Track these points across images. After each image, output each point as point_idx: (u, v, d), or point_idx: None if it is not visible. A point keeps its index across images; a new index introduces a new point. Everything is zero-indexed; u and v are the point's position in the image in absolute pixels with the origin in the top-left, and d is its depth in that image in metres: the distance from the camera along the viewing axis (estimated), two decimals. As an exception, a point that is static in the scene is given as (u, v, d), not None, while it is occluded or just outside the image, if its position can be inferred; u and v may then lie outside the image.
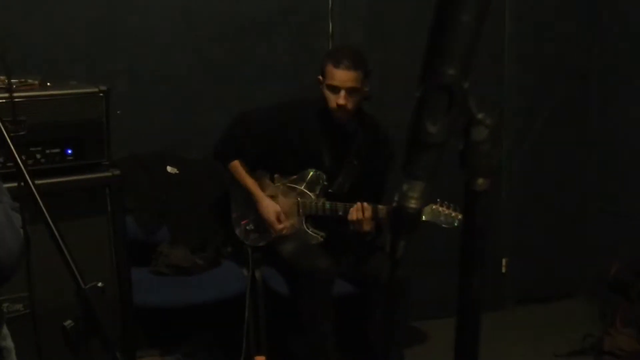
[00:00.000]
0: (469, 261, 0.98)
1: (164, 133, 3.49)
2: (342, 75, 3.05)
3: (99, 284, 1.84)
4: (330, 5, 3.67)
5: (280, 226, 3.21)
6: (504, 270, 4.22)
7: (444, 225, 2.96)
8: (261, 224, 3.28)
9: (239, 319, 3.16)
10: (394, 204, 0.95)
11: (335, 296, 3.09)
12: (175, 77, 3.50)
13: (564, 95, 4.17)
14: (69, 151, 2.59)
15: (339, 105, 3.07)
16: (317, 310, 3.03)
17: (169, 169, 3.41)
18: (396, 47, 3.72)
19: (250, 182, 3.23)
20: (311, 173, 3.24)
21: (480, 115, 0.94)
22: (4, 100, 2.20)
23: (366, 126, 3.25)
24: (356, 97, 3.09)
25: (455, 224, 2.97)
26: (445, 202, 2.97)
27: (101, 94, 2.64)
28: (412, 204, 0.95)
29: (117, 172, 2.66)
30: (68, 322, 1.84)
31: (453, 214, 2.98)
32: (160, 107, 3.49)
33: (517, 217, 4.21)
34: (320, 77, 3.15)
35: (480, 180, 0.95)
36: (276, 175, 3.29)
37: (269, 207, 3.22)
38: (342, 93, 3.05)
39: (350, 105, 3.08)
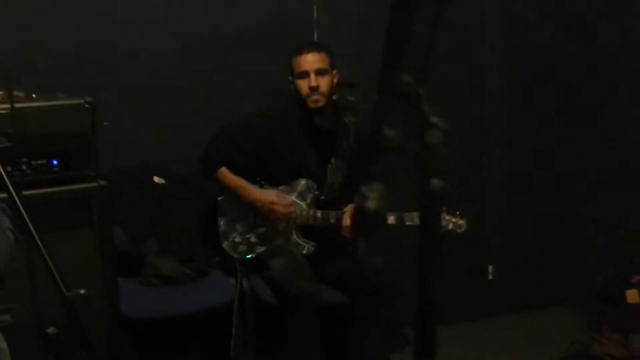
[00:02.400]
0: (426, 262, 1.01)
1: (152, 145, 3.52)
2: (307, 59, 3.16)
3: (82, 291, 1.88)
4: (315, 17, 3.72)
5: (284, 203, 3.21)
6: (490, 277, 4.25)
7: (457, 231, 3.04)
8: (249, 236, 3.30)
9: (227, 328, 3.18)
10: (355, 205, 0.99)
11: (323, 304, 3.11)
12: (163, 90, 3.54)
13: (554, 99, 4.22)
14: (55, 162, 2.62)
15: (311, 88, 3.14)
16: (302, 327, 3.05)
17: (155, 179, 3.43)
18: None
19: (239, 184, 3.23)
20: (302, 182, 3.27)
21: (434, 120, 0.98)
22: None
23: (344, 123, 3.30)
24: (327, 79, 3.17)
25: (463, 230, 3.05)
26: (451, 210, 3.04)
27: (87, 106, 2.67)
28: (372, 205, 0.99)
29: (103, 183, 2.69)
30: (51, 329, 1.88)
31: (460, 222, 3.04)
32: (147, 120, 3.52)
33: (503, 224, 4.24)
34: (290, 78, 3.23)
35: (436, 182, 0.99)
36: (266, 187, 3.32)
37: (265, 194, 3.23)
38: (312, 75, 3.15)
39: (323, 87, 3.16)
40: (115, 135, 3.39)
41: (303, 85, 3.17)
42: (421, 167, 0.98)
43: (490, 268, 4.25)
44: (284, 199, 3.24)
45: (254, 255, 3.30)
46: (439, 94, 0.98)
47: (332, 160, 3.30)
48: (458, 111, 3.93)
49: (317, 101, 3.18)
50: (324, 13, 3.72)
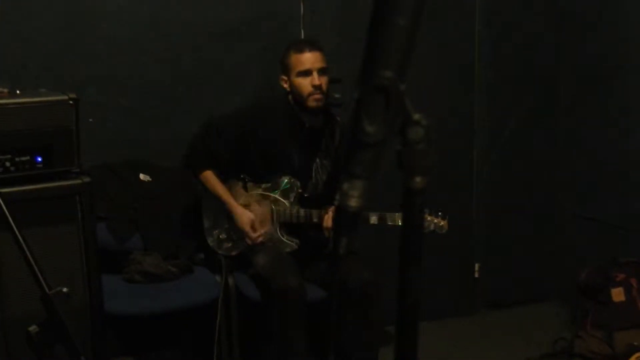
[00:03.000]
0: (407, 259, 1.00)
1: (136, 141, 3.50)
2: (310, 57, 3.15)
3: (64, 290, 1.86)
4: (302, 12, 3.70)
5: (255, 235, 3.23)
6: (476, 275, 4.26)
7: (439, 232, 3.08)
8: (234, 233, 3.29)
9: (212, 325, 3.17)
10: (336, 203, 0.99)
11: (308, 302, 3.11)
12: (146, 85, 3.51)
13: (536, 97, 4.23)
14: (39, 159, 2.60)
15: (315, 87, 3.14)
16: (287, 324, 3.04)
17: (141, 176, 3.42)
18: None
19: (222, 192, 3.24)
20: (285, 180, 3.27)
21: (416, 116, 0.97)
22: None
23: (332, 123, 3.30)
24: (325, 78, 3.18)
25: (444, 231, 3.08)
26: (432, 211, 3.06)
27: (71, 102, 2.65)
28: (353, 203, 0.98)
29: (87, 179, 2.68)
30: (33, 328, 1.85)
31: (442, 223, 3.07)
32: (131, 115, 3.50)
33: (489, 221, 4.25)
34: (284, 77, 3.21)
35: (418, 179, 0.98)
36: (249, 184, 3.31)
37: (243, 216, 3.23)
38: (315, 74, 3.14)
39: (324, 86, 3.17)
40: (99, 131, 3.38)
41: (304, 83, 3.16)
42: (403, 165, 0.97)
43: (476, 266, 4.25)
44: (259, 226, 3.24)
45: (238, 253, 3.29)
46: (422, 90, 0.97)
47: (318, 159, 3.30)
48: (441, 108, 3.94)
49: (318, 100, 3.17)
50: (309, 7, 3.71)
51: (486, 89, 4.14)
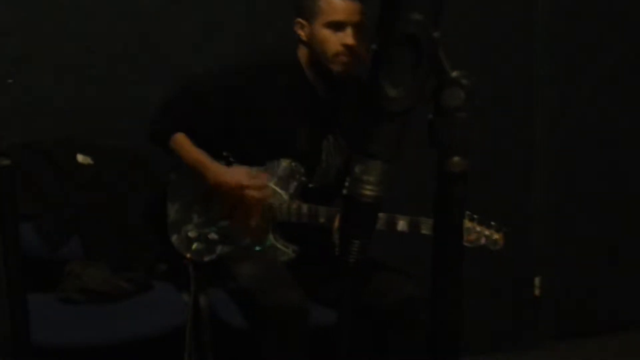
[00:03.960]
0: (442, 275, 1.01)
1: (74, 111, 3.51)
2: (347, 7, 3.11)
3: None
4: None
5: (261, 182, 3.19)
6: (537, 292, 4.27)
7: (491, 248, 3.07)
8: (208, 229, 3.30)
9: (178, 359, 3.19)
10: (345, 192, 0.99)
11: (313, 326, 3.12)
12: (88, 36, 3.53)
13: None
14: None
15: (346, 47, 3.12)
16: (284, 355, 3.06)
17: (80, 158, 3.43)
18: None
19: (197, 156, 3.19)
20: (284, 164, 3.26)
21: (455, 74, 0.97)
22: None
23: (353, 91, 3.29)
24: (362, 40, 3.14)
25: (497, 248, 3.06)
26: (483, 219, 3.05)
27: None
28: (368, 191, 0.99)
29: (6, 162, 2.68)
30: None
31: (495, 236, 3.06)
32: (67, 76, 3.51)
33: (554, 222, 4.26)
34: (302, 20, 3.19)
35: (456, 160, 0.99)
36: (235, 165, 3.31)
37: (235, 170, 3.20)
38: (349, 30, 3.12)
39: (359, 49, 3.13)
40: (22, 98, 3.39)
41: (333, 39, 3.13)
42: (437, 141, 0.97)
43: (536, 281, 4.26)
44: (258, 179, 3.21)
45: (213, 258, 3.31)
46: (463, 42, 0.97)
47: (331, 137, 3.29)
48: (488, 68, 3.94)
49: (346, 64, 3.16)
50: None
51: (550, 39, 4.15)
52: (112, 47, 3.57)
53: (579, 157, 4.30)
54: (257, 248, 3.27)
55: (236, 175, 3.21)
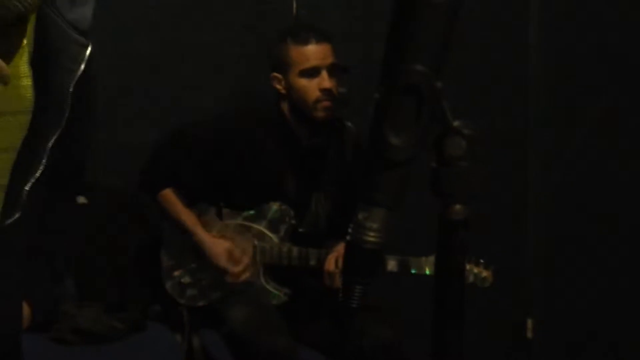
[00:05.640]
0: (445, 313, 1.02)
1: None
2: (317, 51, 3.14)
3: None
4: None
5: (238, 269, 3.22)
6: (529, 335, 4.26)
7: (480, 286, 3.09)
8: (202, 277, 3.29)
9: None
10: (348, 238, 1.01)
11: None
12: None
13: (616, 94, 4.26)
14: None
15: (323, 91, 3.13)
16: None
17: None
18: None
19: (186, 216, 3.23)
20: (274, 208, 3.27)
21: (456, 123, 0.99)
22: None
23: (342, 138, 3.31)
24: (337, 78, 3.17)
25: (486, 285, 3.09)
26: (473, 258, 3.07)
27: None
28: (371, 238, 1.00)
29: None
30: None
31: (484, 274, 3.08)
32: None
33: (546, 261, 4.26)
34: (277, 74, 3.21)
35: (458, 207, 1.01)
36: (225, 210, 3.31)
37: (216, 245, 3.21)
38: (324, 73, 3.13)
39: (335, 90, 3.15)
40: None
41: (310, 86, 3.15)
42: (439, 189, 0.99)
43: (529, 323, 4.26)
44: (239, 264, 3.23)
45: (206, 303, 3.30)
46: (465, 93, 1.00)
47: (320, 186, 3.30)
48: (486, 115, 3.96)
49: (328, 108, 3.17)
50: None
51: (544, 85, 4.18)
52: (108, 91, 3.57)
53: (575, 199, 4.30)
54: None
55: (215, 256, 3.21)
